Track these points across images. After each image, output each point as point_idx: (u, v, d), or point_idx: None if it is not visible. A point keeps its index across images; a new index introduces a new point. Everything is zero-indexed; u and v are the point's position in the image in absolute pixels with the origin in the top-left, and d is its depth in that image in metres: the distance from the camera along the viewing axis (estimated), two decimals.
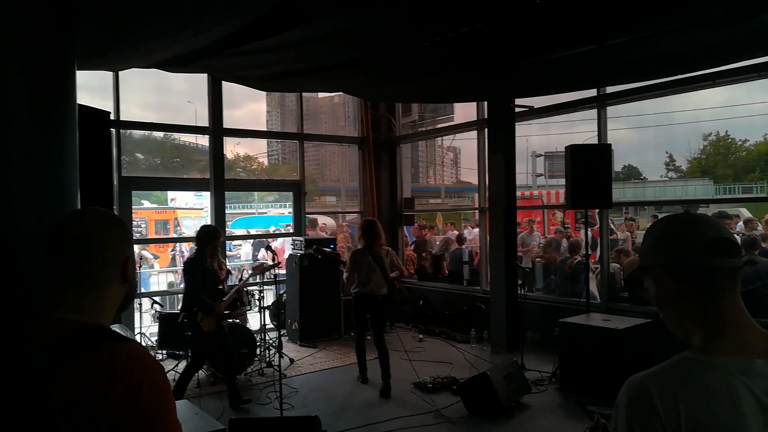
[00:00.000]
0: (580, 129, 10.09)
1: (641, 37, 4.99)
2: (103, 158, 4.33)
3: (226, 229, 9.76)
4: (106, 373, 1.08)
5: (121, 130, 7.63)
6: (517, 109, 7.43)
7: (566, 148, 6.18)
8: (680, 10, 4.39)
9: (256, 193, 19.58)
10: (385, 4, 4.11)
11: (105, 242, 1.27)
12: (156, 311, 7.28)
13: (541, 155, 21.57)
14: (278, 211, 19.38)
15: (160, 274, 11.55)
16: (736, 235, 7.76)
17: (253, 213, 21.20)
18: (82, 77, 7.20)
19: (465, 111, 9.13)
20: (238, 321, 6.70)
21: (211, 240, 5.38)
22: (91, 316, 1.23)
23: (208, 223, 8.11)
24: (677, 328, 1.22)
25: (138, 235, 15.05)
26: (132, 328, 7.07)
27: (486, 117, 7.84)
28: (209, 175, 8.16)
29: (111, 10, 3.60)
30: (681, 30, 4.81)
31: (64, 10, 2.88)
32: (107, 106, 7.55)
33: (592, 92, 6.79)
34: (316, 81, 6.62)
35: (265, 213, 20.72)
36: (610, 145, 6.40)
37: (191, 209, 17.55)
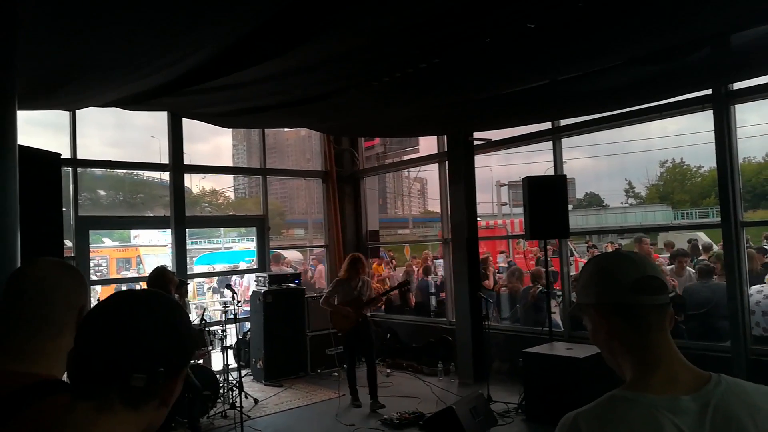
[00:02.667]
0: (539, 159, 10.34)
1: (590, 72, 5.21)
2: (53, 201, 4.25)
3: (189, 266, 9.58)
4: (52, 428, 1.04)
5: (78, 169, 7.49)
6: (475, 142, 7.58)
7: (523, 179, 6.31)
8: (624, 46, 4.60)
9: (221, 228, 19.37)
10: (345, 42, 4.19)
11: (59, 289, 1.25)
12: None
13: (505, 184, 22.00)
14: (244, 245, 19.16)
15: None
16: (693, 265, 7.99)
17: (219, 248, 20.90)
18: (36, 115, 7.11)
19: (429, 142, 9.27)
20: (201, 362, 6.54)
21: (163, 284, 5.18)
22: (45, 367, 1.19)
23: (170, 260, 7.97)
24: (613, 365, 1.24)
25: (99, 275, 14.65)
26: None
27: (446, 150, 7.97)
28: (170, 211, 8.04)
29: (61, 49, 3.57)
30: (626, 66, 5.03)
31: (4, 54, 2.85)
32: (64, 143, 7.41)
33: (547, 125, 6.99)
34: (275, 117, 6.66)
35: (231, 248, 20.45)
36: (565, 176, 6.56)
37: (154, 246, 17.20)
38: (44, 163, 4.15)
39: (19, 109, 3.55)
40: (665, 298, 1.18)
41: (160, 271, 5.44)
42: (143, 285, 13.90)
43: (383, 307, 9.46)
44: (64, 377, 1.20)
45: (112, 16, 3.30)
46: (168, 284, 5.22)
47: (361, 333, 6.44)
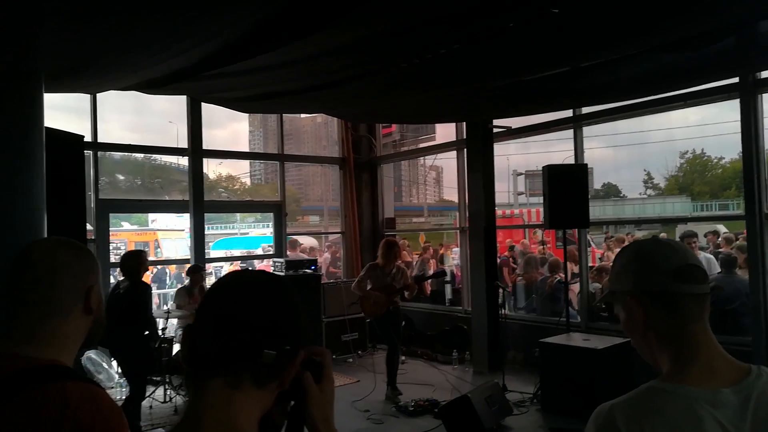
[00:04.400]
0: (558, 148, 10.23)
1: (613, 59, 5.11)
2: (77, 182, 4.29)
3: (207, 251, 9.64)
4: (53, 413, 1.03)
5: (98, 153, 7.56)
6: (495, 130, 7.51)
7: (543, 168, 6.24)
8: (649, 34, 4.51)
9: (237, 213, 19.47)
10: (364, 28, 4.15)
11: (63, 268, 1.23)
12: None
13: (521, 174, 21.78)
14: (260, 231, 19.27)
15: None
16: (713, 254, 7.88)
17: (235, 233, 21.02)
18: (59, 99, 7.17)
19: (446, 130, 9.21)
20: None
21: (136, 265, 5.25)
22: (49, 351, 1.17)
23: (187, 244, 8.03)
24: (647, 355, 1.21)
25: (117, 257, 14.84)
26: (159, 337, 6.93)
27: (465, 137, 7.91)
28: (189, 197, 8.10)
29: (84, 31, 3.58)
30: (650, 53, 4.93)
31: (29, 38, 2.86)
32: (84, 127, 7.49)
33: (568, 113, 6.90)
34: (296, 102, 6.63)
35: (247, 233, 20.58)
36: (586, 165, 6.48)
37: (172, 230, 17.36)
38: (68, 144, 4.19)
39: (44, 91, 3.59)
40: (706, 287, 1.15)
41: (135, 252, 5.67)
42: (170, 269, 13.98)
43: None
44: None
45: (131, 2, 3.30)
46: (139, 266, 5.27)
47: (391, 321, 6.29)
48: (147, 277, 13.60)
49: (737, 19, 4.34)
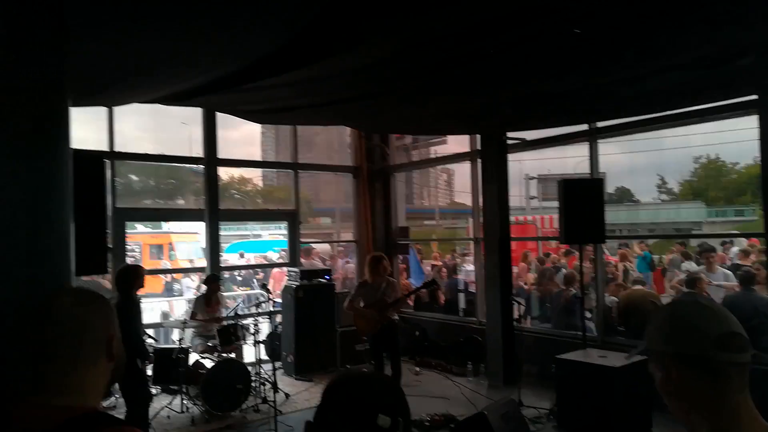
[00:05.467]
0: (572, 153, 10.14)
1: (630, 76, 5.09)
2: (98, 200, 4.36)
3: (221, 254, 9.71)
4: None
5: (115, 161, 7.64)
6: (509, 141, 7.50)
7: (558, 182, 6.22)
8: (667, 53, 4.49)
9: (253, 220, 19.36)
10: (380, 50, 4.18)
11: (86, 325, 1.27)
12: (150, 346, 7.21)
13: (534, 178, 21.71)
14: (274, 234, 19.35)
15: (153, 303, 11.45)
16: (731, 267, 7.80)
17: (248, 235, 21.12)
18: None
19: (460, 137, 9.20)
20: (233, 355, 6.66)
21: (132, 282, 5.19)
22: (81, 398, 1.23)
23: (203, 246, 8.06)
24: (682, 417, 1.19)
25: (132, 260, 14.96)
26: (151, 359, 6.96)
27: (479, 148, 7.91)
28: (203, 204, 8.16)
29: (111, 53, 3.64)
30: (668, 69, 4.90)
31: (57, 54, 2.91)
32: (101, 133, 7.51)
33: (584, 126, 6.87)
34: (310, 115, 6.68)
35: (260, 236, 20.66)
36: (602, 179, 6.47)
37: (186, 233, 17.48)
38: (90, 163, 4.27)
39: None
40: (748, 356, 1.14)
41: (130, 269, 5.39)
42: (176, 276, 14.07)
43: (412, 304, 9.51)
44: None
45: (153, 26, 3.35)
46: (134, 281, 5.19)
47: (387, 336, 6.16)
48: (158, 286, 13.68)
49: (757, 39, 4.31)
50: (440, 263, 11.26)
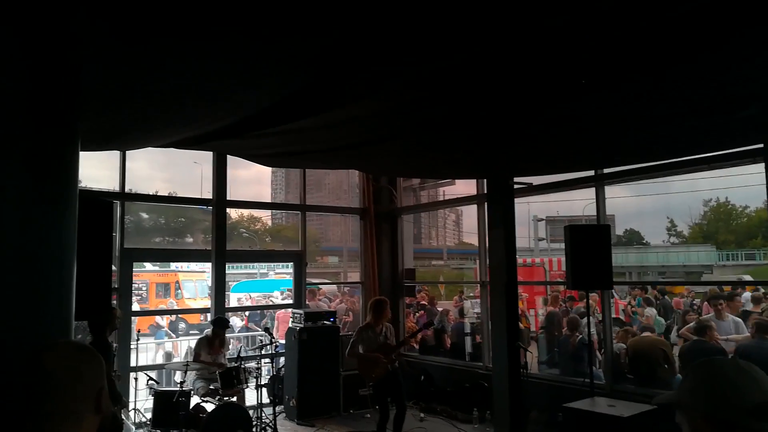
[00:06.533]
0: (580, 196, 10.15)
1: (637, 124, 5.13)
2: (104, 242, 4.40)
3: (226, 293, 9.68)
4: None
5: (125, 202, 7.73)
6: (516, 186, 7.52)
7: (565, 228, 6.21)
8: (674, 102, 4.54)
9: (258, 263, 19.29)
10: (385, 100, 4.26)
11: (77, 379, 1.28)
12: (151, 388, 7.14)
13: (542, 219, 21.71)
14: (280, 273, 19.35)
15: (156, 344, 11.39)
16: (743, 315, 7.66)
17: (255, 274, 21.11)
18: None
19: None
20: (234, 399, 6.57)
21: (107, 324, 5.17)
22: None
23: (208, 289, 8.02)
24: None
25: (138, 298, 14.97)
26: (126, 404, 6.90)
27: (485, 192, 7.93)
28: (211, 245, 8.19)
29: (122, 110, 3.74)
30: (675, 118, 4.95)
31: (70, 105, 2.99)
32: (113, 171, 7.62)
33: (590, 172, 6.89)
34: (320, 159, 6.76)
35: (266, 275, 20.66)
36: (608, 226, 6.44)
37: (193, 272, 17.53)
38: (99, 207, 4.33)
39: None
40: None
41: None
42: (184, 317, 14.01)
43: (417, 347, 9.40)
44: None
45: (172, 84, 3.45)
46: (106, 325, 5.15)
47: (393, 381, 6.16)
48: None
49: (759, 91, 4.35)
50: (450, 308, 11.18)
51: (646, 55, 3.59)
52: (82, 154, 3.17)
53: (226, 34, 2.91)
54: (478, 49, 3.45)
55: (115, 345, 6.05)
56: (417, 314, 10.67)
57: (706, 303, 10.41)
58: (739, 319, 7.04)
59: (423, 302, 11.06)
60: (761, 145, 5.47)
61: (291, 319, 8.39)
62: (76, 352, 1.33)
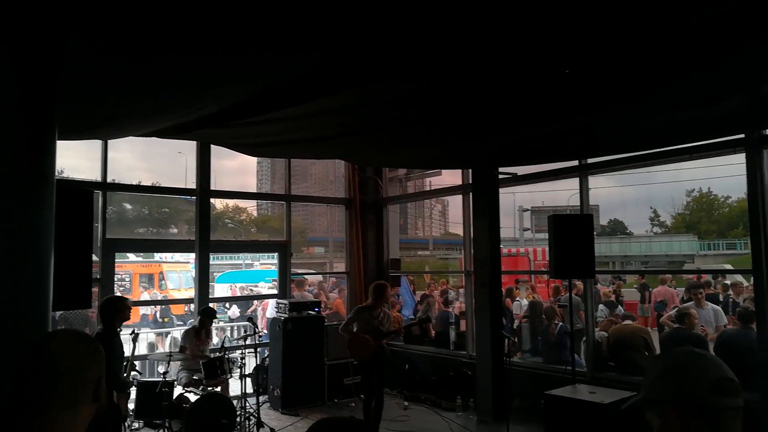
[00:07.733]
0: (564, 186, 10.23)
1: (621, 115, 5.17)
2: (84, 231, 4.34)
3: (211, 284, 9.62)
4: None
5: (107, 192, 7.63)
6: (500, 176, 7.54)
7: (548, 218, 6.26)
8: (657, 94, 4.57)
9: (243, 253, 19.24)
10: (374, 91, 4.24)
11: (80, 368, 1.28)
12: (134, 378, 7.09)
13: (527, 210, 21.84)
14: (266, 264, 19.26)
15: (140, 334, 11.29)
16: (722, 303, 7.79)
17: (240, 265, 21.00)
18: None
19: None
20: (218, 389, 6.55)
21: (115, 314, 5.17)
22: None
23: (192, 280, 8.01)
24: None
25: (122, 289, 14.84)
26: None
27: (470, 182, 7.95)
28: (195, 235, 8.12)
29: (104, 98, 3.67)
30: (659, 110, 4.99)
31: (48, 93, 2.94)
32: (95, 162, 7.51)
33: (574, 162, 6.93)
34: (305, 148, 6.73)
35: (252, 265, 20.56)
36: (591, 215, 6.50)
37: (177, 263, 17.38)
38: (78, 196, 4.26)
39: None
40: (741, 401, 1.19)
41: (112, 299, 5.40)
42: (172, 308, 13.92)
43: (402, 336, 9.43)
44: None
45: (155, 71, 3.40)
46: (114, 314, 5.16)
47: (377, 364, 6.23)
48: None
49: (743, 83, 4.41)
50: (436, 295, 11.20)
51: (631, 49, 3.61)
52: (63, 144, 3.13)
53: (210, 25, 2.87)
54: (465, 44, 3.45)
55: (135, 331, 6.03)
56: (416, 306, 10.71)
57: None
58: (719, 308, 7.15)
59: (428, 294, 11.07)
60: (742, 135, 5.54)
61: (276, 309, 8.37)
62: (75, 340, 1.34)
